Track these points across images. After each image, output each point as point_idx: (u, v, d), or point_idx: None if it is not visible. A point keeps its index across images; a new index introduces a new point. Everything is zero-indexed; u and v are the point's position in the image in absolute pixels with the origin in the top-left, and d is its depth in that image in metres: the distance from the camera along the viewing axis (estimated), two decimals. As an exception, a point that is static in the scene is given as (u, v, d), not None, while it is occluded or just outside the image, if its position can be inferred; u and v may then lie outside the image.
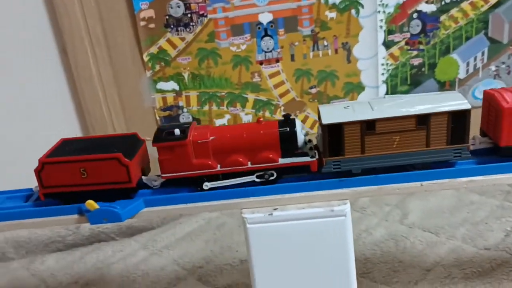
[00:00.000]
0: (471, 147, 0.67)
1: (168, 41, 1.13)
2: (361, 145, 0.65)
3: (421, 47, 1.18)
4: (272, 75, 1.18)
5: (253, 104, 1.20)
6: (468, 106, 0.63)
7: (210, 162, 0.67)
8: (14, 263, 1.12)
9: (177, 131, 0.67)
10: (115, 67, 1.13)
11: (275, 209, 0.64)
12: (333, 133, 0.64)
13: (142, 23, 1.11)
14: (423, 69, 1.20)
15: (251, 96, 1.20)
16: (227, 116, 1.21)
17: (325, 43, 1.16)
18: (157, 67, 1.16)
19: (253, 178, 0.67)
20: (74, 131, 1.16)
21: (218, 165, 0.67)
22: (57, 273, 1.05)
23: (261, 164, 0.67)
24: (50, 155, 0.69)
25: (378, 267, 0.93)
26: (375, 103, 0.66)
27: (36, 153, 0.70)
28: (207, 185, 0.68)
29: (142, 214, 0.68)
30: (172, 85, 1.17)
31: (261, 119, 0.68)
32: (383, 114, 0.64)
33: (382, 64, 1.19)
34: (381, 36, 1.17)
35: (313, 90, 1.20)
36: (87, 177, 0.67)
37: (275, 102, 1.21)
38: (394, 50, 1.18)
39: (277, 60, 1.17)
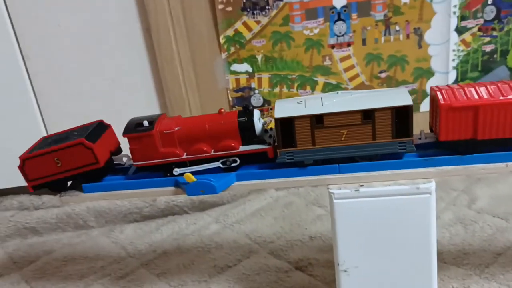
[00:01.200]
0: (418, 141, 0.72)
1: (244, 24, 1.17)
2: (311, 137, 0.69)
3: (494, 33, 1.18)
4: (342, 59, 1.20)
5: (323, 87, 1.23)
6: (409, 103, 0.66)
7: (176, 151, 0.74)
8: (95, 231, 1.20)
9: (145, 123, 0.74)
10: (192, 48, 1.18)
11: (361, 186, 0.67)
12: (285, 127, 0.69)
13: (220, 6, 1.15)
14: (495, 56, 1.20)
15: (321, 79, 1.22)
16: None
17: (397, 28, 1.17)
18: (232, 49, 1.20)
19: (218, 164, 0.74)
20: (153, 109, 1.22)
21: (185, 153, 0.74)
22: (136, 241, 1.12)
23: (223, 152, 0.73)
24: (30, 152, 0.78)
25: (447, 249, 0.95)
26: (326, 99, 0.70)
27: (118, 129, 0.79)
28: (176, 170, 0.74)
29: (233, 187, 0.72)
30: (245, 67, 1.21)
31: (222, 110, 0.75)
32: (331, 109, 0.68)
33: (454, 50, 1.19)
34: (454, 22, 1.17)
35: (383, 75, 1.22)
36: (61, 165, 0.76)
37: (344, 85, 1.23)
38: (467, 36, 1.18)
39: (349, 44, 1.19)
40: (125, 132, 0.74)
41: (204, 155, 0.74)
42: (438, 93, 0.68)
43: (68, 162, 0.76)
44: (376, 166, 0.68)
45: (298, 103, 0.71)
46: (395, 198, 0.66)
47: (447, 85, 0.70)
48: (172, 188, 0.73)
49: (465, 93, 0.67)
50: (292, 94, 1.23)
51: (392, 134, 0.68)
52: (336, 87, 1.23)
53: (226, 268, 0.98)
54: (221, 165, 0.74)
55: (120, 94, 1.20)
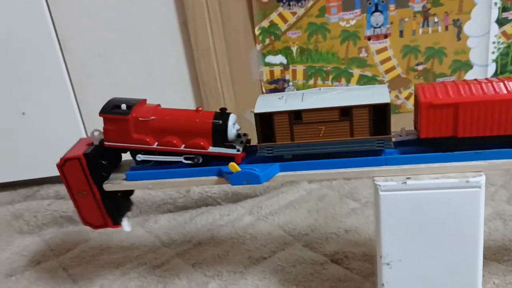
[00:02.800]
0: (398, 138, 0.73)
1: (280, 15, 1.17)
2: (290, 133, 0.70)
3: (536, 25, 1.15)
4: (379, 51, 1.19)
5: (358, 80, 1.22)
6: (387, 100, 0.67)
7: (148, 139, 0.75)
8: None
9: (123, 106, 0.75)
10: (227, 40, 1.18)
11: (408, 178, 0.66)
12: (264, 122, 0.70)
13: (256, -2, 1.15)
14: (536, 48, 1.17)
15: (356, 72, 1.21)
16: (331, 91, 1.23)
17: (436, 20, 1.15)
18: (267, 41, 1.19)
19: (181, 159, 0.75)
20: (188, 101, 1.22)
21: (156, 143, 0.75)
22: (170, 231, 1.13)
23: (192, 149, 0.74)
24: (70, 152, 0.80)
25: (487, 245, 0.93)
26: (307, 95, 0.72)
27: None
28: (140, 156, 0.76)
29: (277, 178, 0.72)
30: (280, 58, 1.21)
31: (200, 108, 0.76)
32: (309, 105, 0.69)
33: (493, 42, 1.17)
34: (494, 13, 1.14)
35: (420, 67, 1.20)
36: None
37: (380, 78, 1.21)
38: (507, 28, 1.15)
39: (386, 36, 1.17)
40: (102, 112, 0.75)
41: (173, 148, 0.75)
42: (420, 90, 0.68)
43: None
44: (423, 159, 0.67)
45: (279, 98, 0.72)
46: (443, 192, 0.65)
47: (432, 83, 0.70)
48: (215, 178, 0.73)
49: (446, 90, 0.66)
50: (327, 86, 1.22)
51: (370, 131, 0.69)
52: (372, 79, 1.21)
53: (261, 259, 0.98)
54: (183, 160, 0.75)
55: (156, 87, 1.20)
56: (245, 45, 1.19)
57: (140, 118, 0.74)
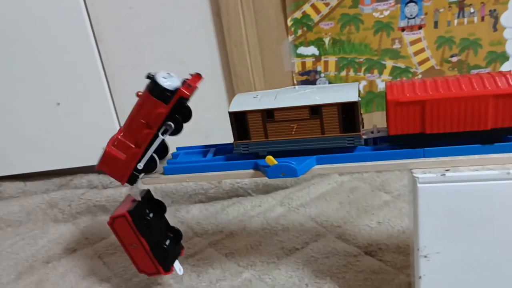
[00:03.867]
0: (371, 135, 0.74)
1: (313, 6, 1.16)
2: (264, 131, 0.73)
3: None
4: (413, 42, 1.17)
5: (391, 71, 1.21)
6: (355, 99, 0.69)
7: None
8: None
9: None
10: (260, 31, 1.18)
11: (447, 170, 0.65)
12: (239, 120, 0.73)
13: (289, -12, 1.15)
14: None
15: (389, 63, 1.20)
16: (364, 82, 1.22)
17: (472, 10, 1.13)
18: (299, 32, 1.19)
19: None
20: (219, 92, 1.23)
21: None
22: (202, 221, 1.14)
23: None
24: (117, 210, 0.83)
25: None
26: (281, 93, 0.74)
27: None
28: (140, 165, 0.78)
29: (313, 170, 0.72)
30: (312, 50, 1.20)
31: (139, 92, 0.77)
32: (281, 104, 0.71)
33: (531, 33, 1.14)
34: (532, 3, 1.12)
35: (454, 59, 1.18)
36: None
37: (413, 69, 1.20)
38: (546, 18, 1.13)
39: (420, 27, 1.16)
40: None
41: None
42: (388, 88, 0.69)
43: None
44: (463, 151, 0.67)
45: (254, 97, 0.74)
46: (483, 184, 0.64)
47: (401, 80, 0.70)
48: (251, 171, 0.73)
49: (414, 88, 0.67)
50: (359, 78, 1.21)
51: (340, 128, 0.70)
52: (405, 71, 1.20)
53: (294, 250, 0.99)
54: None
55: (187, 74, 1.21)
56: (277, 36, 1.19)
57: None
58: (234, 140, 0.74)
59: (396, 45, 1.18)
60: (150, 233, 0.83)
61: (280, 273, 0.92)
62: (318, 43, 1.19)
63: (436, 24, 1.15)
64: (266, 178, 1.22)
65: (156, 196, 1.22)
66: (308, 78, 1.23)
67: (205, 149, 0.83)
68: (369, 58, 1.20)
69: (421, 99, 0.66)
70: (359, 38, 1.18)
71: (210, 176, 0.75)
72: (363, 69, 1.21)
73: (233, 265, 0.97)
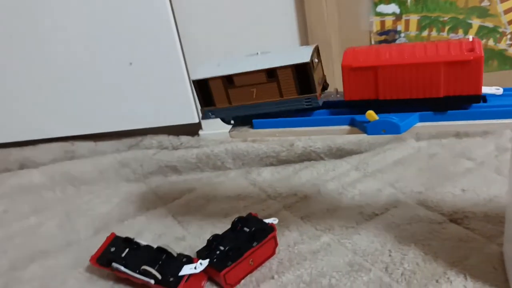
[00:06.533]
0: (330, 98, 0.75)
1: (396, -40, 1.10)
2: (227, 96, 0.74)
3: None
4: (504, -1, 1.09)
5: (477, 31, 1.13)
6: (306, 60, 0.68)
7: None
8: (232, 173, 1.21)
9: None
10: (338, -13, 1.13)
11: None
12: (202, 87, 0.75)
13: None
14: None
15: (475, 22, 1.12)
16: (446, 43, 1.15)
17: None
18: (380, -11, 1.13)
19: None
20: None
21: None
22: (274, 184, 1.12)
23: None
24: None
25: None
26: (242, 59, 0.75)
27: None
28: None
29: (416, 128, 0.67)
30: (393, 8, 1.14)
31: None
32: (239, 69, 0.72)
33: None
34: None
35: (549, 17, 1.09)
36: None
37: (502, 29, 1.12)
38: None
39: (513, -18, 1.07)
40: None
41: None
42: (345, 53, 0.69)
43: None
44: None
45: (217, 65, 0.75)
46: None
47: (363, 46, 0.70)
48: (347, 127, 0.70)
49: (368, 54, 0.67)
50: (442, 38, 1.15)
51: (297, 90, 0.71)
52: (492, 31, 1.12)
53: (373, 216, 0.95)
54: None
55: (263, 36, 1.18)
56: (356, -6, 1.14)
57: None
58: (201, 107, 0.77)
59: (485, 3, 1.10)
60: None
61: (361, 238, 0.90)
62: (400, 0, 1.13)
63: (531, -21, 1.06)
64: (339, 142, 1.19)
65: (227, 157, 1.22)
66: (387, 38, 1.17)
67: None
68: (454, 16, 1.12)
69: (373, 65, 0.66)
70: (445, -5, 1.11)
71: (301, 131, 0.72)
72: (446, 28, 1.14)
73: (310, 228, 0.95)
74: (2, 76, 1.29)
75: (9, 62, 1.27)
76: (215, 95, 0.75)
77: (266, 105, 0.73)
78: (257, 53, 0.76)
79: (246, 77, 0.72)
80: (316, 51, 0.74)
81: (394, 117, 0.65)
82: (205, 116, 0.77)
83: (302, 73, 0.70)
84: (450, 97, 0.65)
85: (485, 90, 0.67)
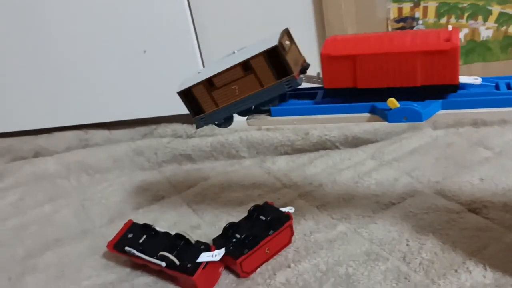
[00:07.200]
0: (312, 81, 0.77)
1: None
2: (212, 100, 0.75)
3: None
4: (525, -15, 1.07)
5: (497, 18, 1.11)
6: (274, 43, 0.69)
7: None
8: (247, 161, 1.21)
9: None
10: (355, -27, 1.11)
11: None
12: (188, 97, 0.76)
13: None
14: None
15: (496, 9, 1.10)
16: (465, 30, 1.13)
17: None
18: (398, -25, 1.11)
19: None
20: (310, 42, 1.18)
21: None
22: (289, 173, 1.12)
23: None
24: None
25: None
26: (219, 61, 0.76)
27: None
28: None
29: (438, 116, 0.66)
30: (410, -6, 1.12)
31: None
32: (216, 70, 0.73)
33: None
34: None
35: None
36: None
37: (523, 16, 1.10)
38: None
39: (535, -33, 1.05)
40: None
41: None
42: (325, 42, 0.70)
43: None
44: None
45: (198, 73, 0.77)
46: None
47: (345, 35, 0.72)
48: (367, 115, 0.69)
49: (348, 42, 0.69)
50: (461, 25, 1.13)
51: (275, 76, 0.71)
52: (512, 18, 1.10)
53: (390, 205, 0.95)
54: None
55: (278, 23, 1.15)
56: (373, -20, 1.12)
57: None
58: (192, 117, 0.78)
59: (506, -11, 1.08)
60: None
61: (377, 227, 0.89)
62: (418, -14, 1.11)
63: (554, -36, 1.04)
64: (355, 131, 1.18)
65: (242, 146, 1.22)
66: (404, 25, 1.15)
67: (312, 92, 0.79)
68: (473, 3, 1.10)
69: (351, 54, 0.67)
70: (464, -19, 1.09)
71: (320, 119, 0.71)
72: (465, 15, 1.12)
73: (326, 217, 0.94)
74: (16, 65, 1.29)
75: (23, 50, 1.27)
76: (201, 101, 0.76)
77: (251, 98, 0.74)
78: (234, 52, 0.78)
79: (224, 76, 0.73)
80: (286, 34, 0.74)
81: (416, 105, 0.64)
82: (198, 125, 0.79)
83: (274, 58, 0.70)
84: (427, 86, 0.66)
85: (464, 79, 0.68)
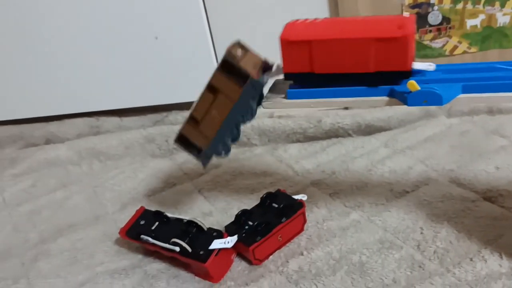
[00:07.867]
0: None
1: None
2: (201, 135, 0.78)
3: None
4: (544, -31, 1.05)
5: (515, 3, 1.09)
6: (225, 57, 0.72)
7: None
8: (258, 149, 1.20)
9: None
10: (369, -41, 1.09)
11: None
12: (184, 142, 0.80)
13: None
14: None
15: (514, -6, 1.08)
16: (481, 16, 1.11)
17: None
18: (413, -40, 1.09)
19: None
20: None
21: None
22: (302, 161, 1.11)
23: None
24: None
25: None
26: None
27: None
28: None
29: (459, 99, 0.65)
30: (426, -21, 1.10)
31: None
32: (193, 105, 0.76)
33: None
34: None
35: None
36: None
37: (541, 1, 1.08)
38: None
39: (555, -48, 1.03)
40: None
41: None
42: (285, 26, 0.70)
43: None
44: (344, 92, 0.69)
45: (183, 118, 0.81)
46: None
47: (306, 20, 0.71)
48: (386, 98, 0.68)
49: (307, 28, 0.68)
50: (477, 11, 1.11)
51: (238, 85, 0.72)
52: (530, 3, 1.08)
53: (404, 193, 0.94)
54: None
55: (292, 10, 1.15)
56: (388, -35, 1.10)
57: None
58: (196, 158, 0.81)
59: (524, -27, 1.06)
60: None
61: (391, 215, 0.88)
62: (434, -29, 1.09)
63: None
64: (368, 118, 1.17)
65: (253, 133, 1.21)
66: (420, 11, 1.14)
67: None
68: (490, -12, 1.08)
69: (307, 39, 0.67)
70: (481, -34, 1.06)
71: (338, 102, 0.70)
72: (482, 1, 1.10)
73: (339, 204, 0.93)
74: (28, 52, 1.29)
75: (35, 37, 1.27)
76: (194, 140, 0.79)
77: (234, 115, 0.75)
78: None
79: (199, 106, 0.76)
80: (238, 45, 0.74)
81: (436, 88, 0.63)
82: (203, 162, 0.81)
83: (229, 69, 0.72)
84: (380, 72, 0.66)
85: (418, 65, 0.68)
